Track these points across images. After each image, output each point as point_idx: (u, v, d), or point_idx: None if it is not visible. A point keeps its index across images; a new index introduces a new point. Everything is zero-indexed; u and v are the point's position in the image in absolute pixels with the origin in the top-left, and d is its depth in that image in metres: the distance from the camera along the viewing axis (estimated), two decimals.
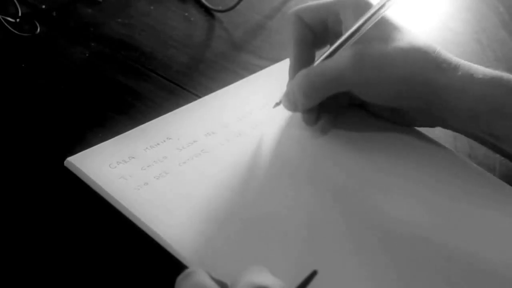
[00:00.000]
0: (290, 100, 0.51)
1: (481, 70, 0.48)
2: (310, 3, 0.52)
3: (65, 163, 0.48)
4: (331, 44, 0.52)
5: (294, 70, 0.51)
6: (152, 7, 0.71)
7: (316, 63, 0.50)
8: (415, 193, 0.48)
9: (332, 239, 0.44)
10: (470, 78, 0.47)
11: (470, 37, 0.71)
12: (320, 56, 0.51)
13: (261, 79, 0.59)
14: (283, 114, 0.54)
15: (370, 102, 0.51)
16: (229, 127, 0.53)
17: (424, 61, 0.48)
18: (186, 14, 0.70)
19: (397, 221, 0.46)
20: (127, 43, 0.64)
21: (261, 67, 0.62)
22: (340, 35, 0.50)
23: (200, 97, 0.57)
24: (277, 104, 0.53)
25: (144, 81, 0.60)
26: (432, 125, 0.52)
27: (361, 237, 0.44)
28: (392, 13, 0.49)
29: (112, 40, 0.64)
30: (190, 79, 0.60)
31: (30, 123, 0.53)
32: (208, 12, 0.71)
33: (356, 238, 0.44)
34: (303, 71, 0.49)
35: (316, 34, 0.52)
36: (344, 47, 0.48)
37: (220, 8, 0.71)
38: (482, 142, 0.51)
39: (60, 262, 0.42)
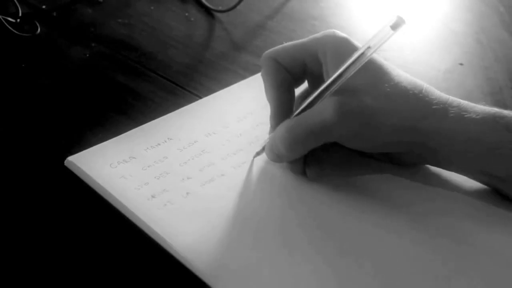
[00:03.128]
0: (273, 152, 0.48)
1: (472, 108, 0.46)
2: (284, 44, 0.49)
3: (66, 162, 0.48)
4: (310, 83, 0.50)
5: (275, 117, 0.48)
6: (152, 7, 0.71)
7: (296, 112, 0.47)
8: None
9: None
10: (461, 118, 0.45)
11: (471, 37, 0.71)
12: (300, 102, 0.48)
13: (261, 79, 0.59)
14: None
15: (358, 150, 0.48)
16: (230, 128, 0.53)
17: (412, 105, 0.45)
18: (186, 14, 0.70)
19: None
20: (127, 43, 0.64)
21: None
22: (318, 74, 0.48)
23: (200, 97, 0.57)
24: (258, 153, 0.50)
25: (144, 81, 0.59)
26: (422, 164, 0.50)
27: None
28: (375, 54, 0.46)
29: (112, 40, 0.64)
30: (190, 79, 0.60)
31: (30, 123, 0.53)
32: (208, 12, 0.71)
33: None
34: (285, 124, 0.46)
35: (294, 75, 0.49)
36: (326, 94, 0.46)
37: (220, 8, 0.71)
38: (482, 181, 0.48)
39: (60, 262, 0.42)
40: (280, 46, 0.49)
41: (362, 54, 0.45)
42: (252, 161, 0.50)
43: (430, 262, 0.43)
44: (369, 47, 0.45)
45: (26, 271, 0.42)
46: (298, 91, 0.51)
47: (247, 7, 0.71)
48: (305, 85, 0.51)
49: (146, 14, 0.69)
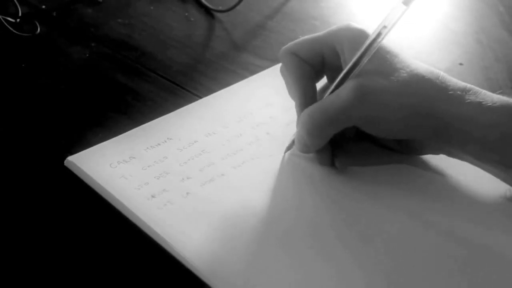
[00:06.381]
0: (300, 142, 0.48)
1: (489, 96, 0.46)
2: (301, 38, 0.50)
3: (66, 162, 0.48)
4: (329, 77, 0.51)
5: (301, 108, 0.48)
6: (152, 7, 0.71)
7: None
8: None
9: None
10: (478, 105, 0.45)
11: (470, 37, 0.71)
12: (322, 92, 0.49)
13: (261, 79, 0.59)
14: (283, 115, 0.54)
15: (376, 136, 0.49)
16: (230, 128, 0.53)
17: (429, 90, 0.46)
18: (186, 14, 0.70)
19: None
20: (127, 43, 0.64)
21: (261, 67, 0.62)
22: (337, 67, 0.48)
23: (200, 97, 0.57)
24: (288, 148, 0.50)
25: (144, 81, 0.59)
26: (438, 153, 0.50)
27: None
28: (389, 38, 0.46)
29: (112, 40, 0.64)
30: (190, 79, 0.60)
31: (30, 123, 0.53)
32: (208, 12, 0.71)
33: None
34: (307, 110, 0.47)
35: (314, 68, 0.50)
36: (347, 79, 0.46)
37: (220, 8, 0.71)
38: (498, 175, 0.48)
39: (60, 262, 0.42)
40: (297, 40, 0.50)
41: (379, 34, 0.45)
42: (284, 156, 0.50)
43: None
44: (384, 27, 0.45)
45: (26, 271, 0.42)
46: (318, 86, 0.51)
47: (247, 7, 0.71)
48: (325, 80, 0.52)
49: (146, 14, 0.69)
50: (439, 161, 0.50)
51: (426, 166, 0.50)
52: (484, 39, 0.71)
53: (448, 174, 0.50)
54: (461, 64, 0.66)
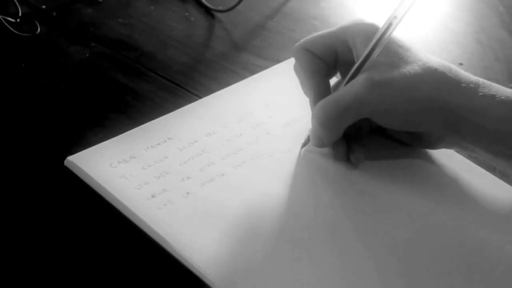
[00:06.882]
0: (315, 136, 0.49)
1: (502, 90, 0.46)
2: (314, 34, 0.50)
3: (66, 162, 0.48)
4: (342, 73, 0.51)
5: (315, 104, 0.49)
6: (152, 7, 0.70)
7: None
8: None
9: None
10: (492, 98, 0.45)
11: (470, 37, 0.71)
12: (335, 88, 0.49)
13: (262, 79, 0.59)
14: (284, 115, 0.54)
15: (388, 128, 0.49)
16: (230, 128, 0.53)
17: (442, 82, 0.46)
18: (186, 14, 0.70)
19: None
20: (127, 43, 0.64)
21: (261, 67, 0.62)
22: (350, 62, 0.48)
23: (200, 97, 0.57)
24: (304, 144, 0.51)
25: (144, 81, 0.60)
26: (450, 147, 0.50)
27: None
28: (399, 34, 0.47)
29: (112, 40, 0.64)
30: (190, 79, 0.60)
31: (30, 123, 0.53)
32: (208, 12, 0.71)
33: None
34: (320, 103, 0.47)
35: (327, 64, 0.50)
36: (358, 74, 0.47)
37: (220, 8, 0.71)
38: (502, 166, 0.48)
39: (60, 262, 0.42)
40: (310, 36, 0.50)
41: (390, 25, 0.45)
42: (300, 152, 0.51)
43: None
44: (395, 17, 0.45)
45: (26, 271, 0.42)
46: (331, 83, 0.51)
47: (247, 7, 0.71)
48: (338, 77, 0.52)
49: (146, 14, 0.69)
50: (452, 157, 0.51)
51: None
52: (484, 39, 0.71)
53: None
54: (461, 64, 0.66)
